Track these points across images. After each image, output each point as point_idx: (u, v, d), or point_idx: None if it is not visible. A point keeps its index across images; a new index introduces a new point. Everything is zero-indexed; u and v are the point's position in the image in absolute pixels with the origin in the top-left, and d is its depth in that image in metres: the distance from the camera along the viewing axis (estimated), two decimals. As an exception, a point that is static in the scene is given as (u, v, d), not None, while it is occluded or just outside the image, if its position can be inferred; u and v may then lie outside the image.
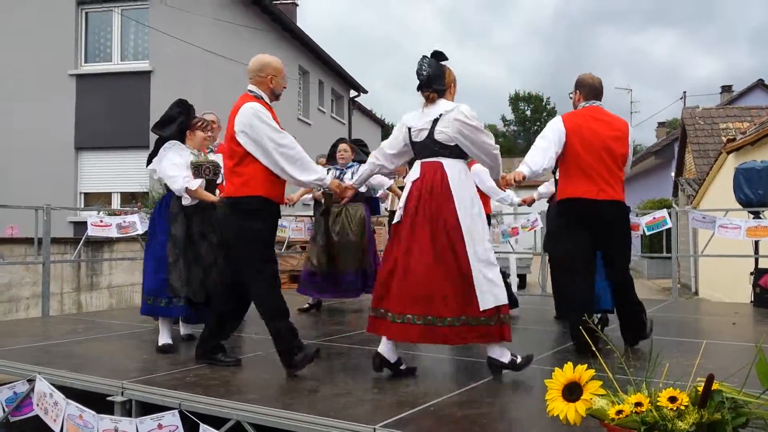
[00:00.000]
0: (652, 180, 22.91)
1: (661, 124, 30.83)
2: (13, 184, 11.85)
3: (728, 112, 17.17)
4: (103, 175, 12.56)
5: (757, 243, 7.01)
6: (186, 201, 4.16)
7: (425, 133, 3.29)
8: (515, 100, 55.11)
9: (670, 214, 7.25)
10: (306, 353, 3.35)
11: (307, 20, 78.35)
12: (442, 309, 3.12)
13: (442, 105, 3.31)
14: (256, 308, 3.50)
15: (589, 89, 3.98)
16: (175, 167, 4.12)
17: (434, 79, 3.30)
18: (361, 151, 6.21)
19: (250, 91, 3.55)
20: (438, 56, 3.36)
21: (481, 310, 3.14)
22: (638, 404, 1.83)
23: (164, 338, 4.14)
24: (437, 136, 3.26)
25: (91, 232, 6.56)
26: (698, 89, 76.83)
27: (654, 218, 7.19)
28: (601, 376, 2.04)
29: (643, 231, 7.11)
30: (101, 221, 6.50)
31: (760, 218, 6.80)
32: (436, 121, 3.26)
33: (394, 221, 3.38)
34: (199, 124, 4.36)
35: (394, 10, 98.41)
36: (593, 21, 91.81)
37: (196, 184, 4.14)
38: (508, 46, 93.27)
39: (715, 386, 1.81)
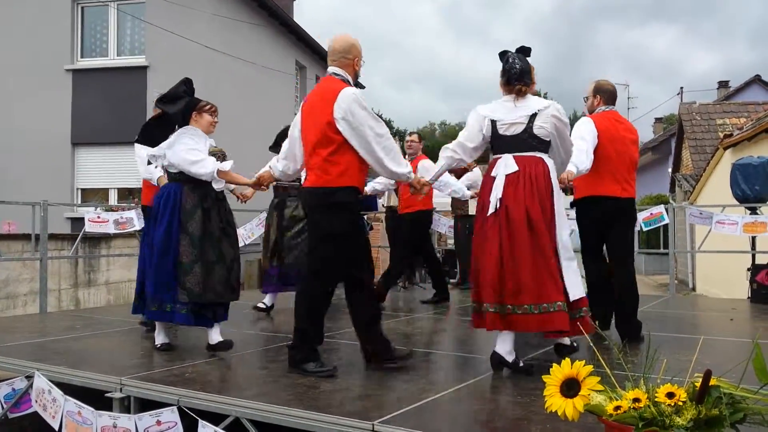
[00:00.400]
0: (649, 176, 22.94)
1: (658, 120, 30.85)
2: (10, 180, 11.81)
3: (725, 108, 17.18)
4: (100, 171, 12.52)
5: (753, 239, 7.02)
6: (219, 185, 3.85)
7: (521, 128, 3.32)
8: (513, 96, 54.90)
9: (667, 209, 7.27)
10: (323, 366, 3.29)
11: (304, 15, 78.13)
12: (551, 294, 3.15)
13: (535, 101, 3.38)
14: (298, 302, 3.40)
15: (609, 95, 4.28)
16: (197, 151, 3.76)
17: (525, 74, 3.37)
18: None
19: (336, 74, 3.37)
20: (524, 51, 3.45)
21: (572, 300, 3.25)
22: (636, 400, 1.84)
23: (161, 337, 4.04)
24: (536, 131, 3.31)
25: (89, 228, 6.56)
26: (696, 85, 77.04)
27: (651, 214, 7.21)
28: (599, 372, 2.04)
29: (641, 227, 7.12)
30: (98, 217, 6.49)
31: (756, 214, 6.82)
32: (533, 116, 3.30)
33: (489, 212, 3.27)
34: (208, 107, 4.03)
35: (393, 6, 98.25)
36: (592, 17, 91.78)
37: (228, 165, 3.82)
38: (507, 43, 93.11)
39: (712, 382, 1.81)
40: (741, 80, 22.36)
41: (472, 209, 7.86)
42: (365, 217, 9.58)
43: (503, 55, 3.47)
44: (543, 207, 3.24)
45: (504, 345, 3.27)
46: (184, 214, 3.76)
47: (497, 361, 3.29)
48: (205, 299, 3.74)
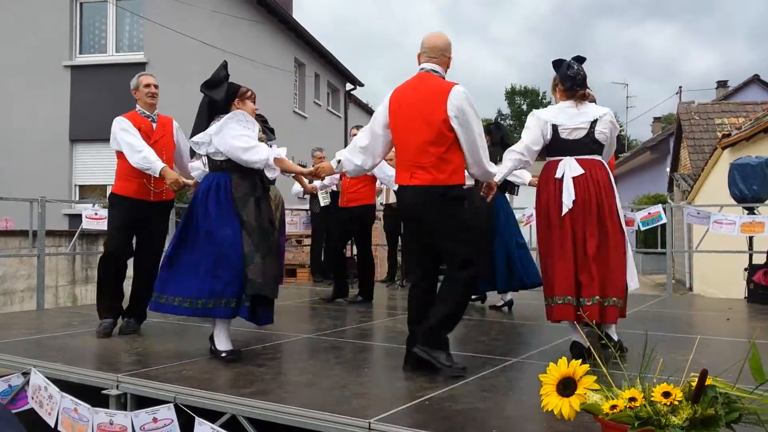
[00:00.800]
0: (647, 175, 22.97)
1: (656, 119, 30.90)
2: (8, 176, 11.80)
3: (724, 108, 17.20)
4: (98, 167, 12.50)
5: (751, 239, 7.04)
6: (273, 174, 3.63)
7: (583, 133, 3.57)
8: (511, 95, 55.09)
9: (665, 209, 7.27)
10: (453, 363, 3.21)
11: (303, 12, 78.01)
12: (621, 288, 3.45)
13: (594, 107, 3.65)
14: (444, 295, 3.29)
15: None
16: (247, 137, 3.51)
17: (586, 81, 3.65)
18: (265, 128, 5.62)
19: (434, 71, 3.32)
20: (580, 60, 3.70)
21: (630, 291, 3.54)
22: (632, 399, 1.84)
23: (227, 343, 3.62)
24: (597, 136, 3.58)
25: (86, 224, 6.55)
26: (694, 84, 76.92)
27: (649, 213, 7.22)
28: (596, 371, 2.04)
29: (638, 226, 7.13)
30: (96, 214, 6.48)
31: (754, 214, 6.83)
32: (594, 122, 3.58)
33: (563, 213, 3.47)
34: (249, 93, 3.77)
35: (392, 3, 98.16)
36: (591, 15, 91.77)
37: (283, 152, 3.65)
38: (505, 41, 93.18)
39: (708, 381, 1.82)
40: (740, 80, 22.41)
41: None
42: None
43: (559, 63, 3.70)
44: (609, 206, 3.52)
45: (578, 334, 3.47)
46: (237, 203, 3.52)
47: (579, 350, 3.43)
48: (265, 292, 3.48)
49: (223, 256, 3.45)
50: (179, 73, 11.32)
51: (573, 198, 3.45)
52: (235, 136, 3.49)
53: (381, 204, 8.16)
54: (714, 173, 12.36)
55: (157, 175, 4.28)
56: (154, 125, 4.52)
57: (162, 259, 3.83)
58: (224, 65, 3.76)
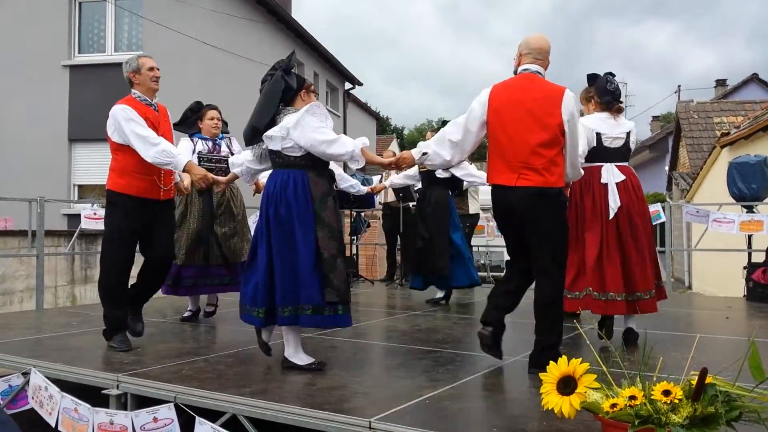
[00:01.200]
0: (646, 174, 22.97)
1: (655, 118, 30.93)
2: (6, 176, 11.78)
3: (722, 106, 17.22)
4: (97, 167, 12.46)
5: (750, 237, 7.04)
6: (358, 165, 3.36)
7: (621, 142, 4.03)
8: (510, 93, 54.98)
9: (663, 208, 7.28)
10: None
11: (302, 11, 78.01)
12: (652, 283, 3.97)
13: (625, 120, 4.13)
14: (550, 297, 3.25)
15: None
16: (326, 129, 3.27)
17: (620, 95, 4.12)
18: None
19: (540, 73, 3.35)
20: (612, 75, 4.09)
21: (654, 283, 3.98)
22: (632, 398, 1.84)
23: (306, 357, 3.37)
24: (630, 145, 4.10)
25: (85, 224, 6.55)
26: (693, 83, 77.10)
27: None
28: (596, 370, 2.05)
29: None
30: (95, 214, 6.48)
31: (753, 212, 6.84)
32: (629, 133, 4.07)
33: (611, 216, 3.86)
34: (312, 87, 3.57)
35: (391, 2, 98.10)
36: (590, 14, 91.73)
37: (366, 142, 3.38)
38: (504, 39, 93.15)
39: (708, 380, 1.82)
40: (739, 78, 22.45)
41: (472, 208, 7.87)
42: (362, 214, 9.57)
43: (595, 77, 4.08)
44: (644, 210, 4.03)
45: (633, 323, 4.02)
46: (316, 203, 3.25)
47: (636, 336, 3.93)
48: (348, 297, 3.23)
49: (302, 260, 3.18)
50: (179, 73, 11.31)
51: (618, 203, 3.87)
52: (315, 129, 3.24)
53: (380, 203, 8.15)
54: (713, 172, 12.38)
55: (179, 170, 3.83)
56: (157, 114, 3.98)
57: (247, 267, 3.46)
58: (293, 54, 3.56)
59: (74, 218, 10.64)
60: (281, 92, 3.37)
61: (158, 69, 4.01)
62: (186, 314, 5.13)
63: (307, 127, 3.23)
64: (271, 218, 3.26)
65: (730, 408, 1.81)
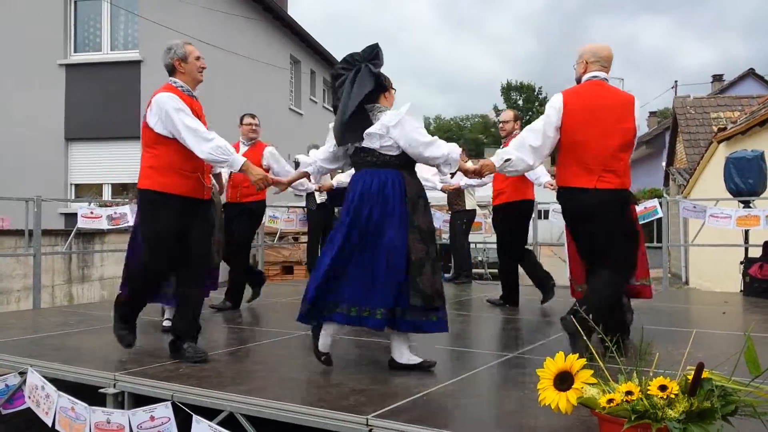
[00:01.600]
0: (643, 169, 23.01)
1: (652, 114, 30.94)
2: (3, 175, 11.76)
3: (719, 102, 17.23)
4: (94, 166, 12.47)
5: (747, 232, 7.06)
6: (451, 169, 3.31)
7: None
8: (507, 90, 55.16)
9: (660, 203, 7.29)
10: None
11: (298, 9, 77.86)
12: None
13: None
14: (601, 296, 3.32)
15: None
16: (424, 130, 3.22)
17: None
18: None
19: (607, 80, 3.48)
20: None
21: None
22: (629, 393, 1.84)
23: (410, 354, 3.27)
24: None
25: (82, 224, 6.53)
26: (690, 78, 77.17)
27: (645, 208, 7.23)
28: (592, 366, 2.05)
29: (635, 220, 7.13)
30: (92, 213, 6.47)
31: (750, 207, 6.85)
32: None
33: None
34: (389, 81, 3.44)
35: (389, 0, 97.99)
36: (585, 11, 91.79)
37: (458, 148, 3.34)
38: (501, 37, 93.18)
39: (704, 375, 1.82)
40: (735, 74, 22.46)
41: (469, 204, 7.86)
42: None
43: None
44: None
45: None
46: (409, 205, 3.18)
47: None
48: (435, 304, 3.15)
49: (392, 262, 3.09)
50: (174, 71, 11.29)
51: None
52: (415, 129, 3.18)
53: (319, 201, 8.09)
54: (710, 167, 12.39)
55: (235, 170, 3.50)
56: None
57: (320, 265, 3.24)
58: (379, 48, 3.35)
59: (71, 217, 10.62)
60: (372, 90, 3.25)
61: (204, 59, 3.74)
62: (165, 323, 4.56)
63: (408, 126, 3.17)
64: (372, 218, 3.15)
65: (727, 402, 1.81)
